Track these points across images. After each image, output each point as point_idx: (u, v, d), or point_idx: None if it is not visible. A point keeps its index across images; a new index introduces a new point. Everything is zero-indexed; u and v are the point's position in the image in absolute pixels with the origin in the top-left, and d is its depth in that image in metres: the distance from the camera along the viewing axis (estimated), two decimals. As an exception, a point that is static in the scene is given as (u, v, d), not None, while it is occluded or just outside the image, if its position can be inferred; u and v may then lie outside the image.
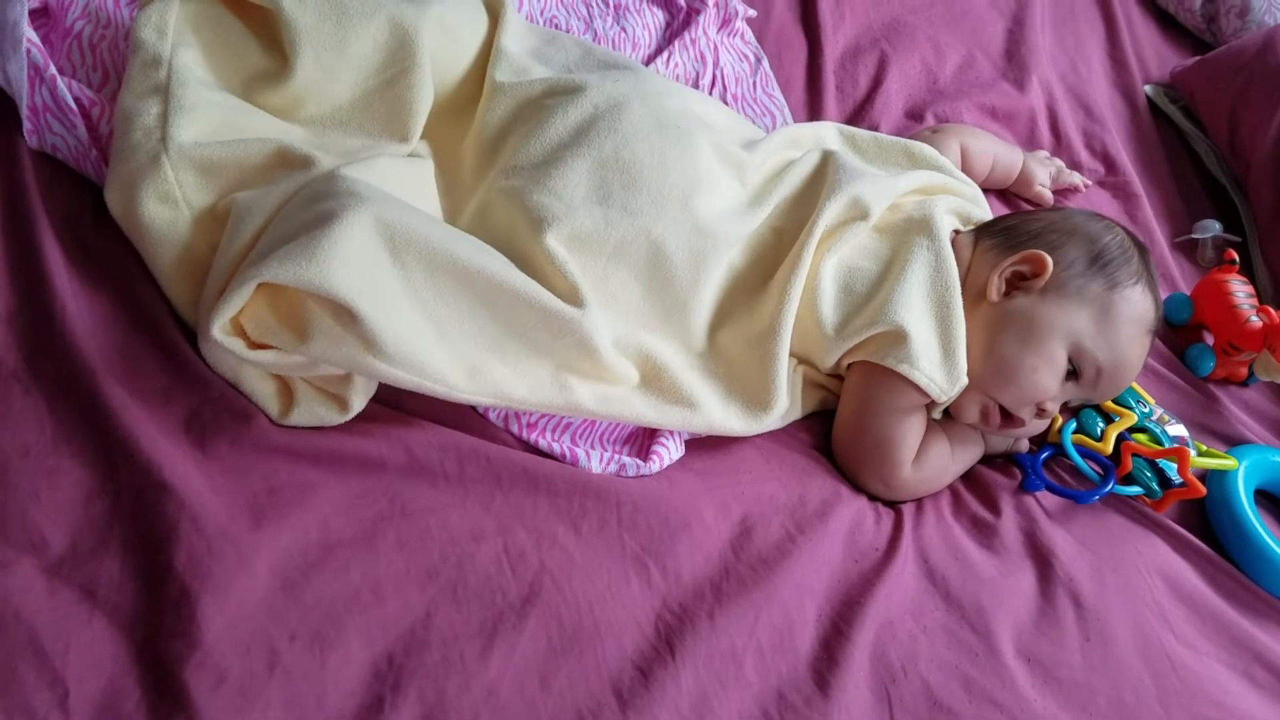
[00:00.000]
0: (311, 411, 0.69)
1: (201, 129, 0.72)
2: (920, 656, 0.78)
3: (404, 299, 0.68)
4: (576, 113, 0.84)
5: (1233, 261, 1.11)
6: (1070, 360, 0.89)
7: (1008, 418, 0.90)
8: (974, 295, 0.92)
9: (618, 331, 0.81)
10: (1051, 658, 0.82)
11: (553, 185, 0.80)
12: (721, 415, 0.83)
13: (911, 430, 0.89)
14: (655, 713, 0.67)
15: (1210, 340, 1.12)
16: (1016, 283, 0.91)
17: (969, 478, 0.96)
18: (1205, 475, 0.99)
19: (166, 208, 0.70)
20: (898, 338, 0.85)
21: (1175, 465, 0.93)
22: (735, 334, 0.86)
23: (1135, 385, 1.02)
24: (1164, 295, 1.17)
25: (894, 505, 0.90)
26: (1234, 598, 0.92)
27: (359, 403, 0.71)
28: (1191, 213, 1.30)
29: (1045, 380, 0.88)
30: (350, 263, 0.64)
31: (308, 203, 0.69)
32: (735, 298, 0.88)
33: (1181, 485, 0.93)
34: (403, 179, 0.77)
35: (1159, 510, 0.94)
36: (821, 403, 0.94)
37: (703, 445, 0.87)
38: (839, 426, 0.92)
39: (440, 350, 0.69)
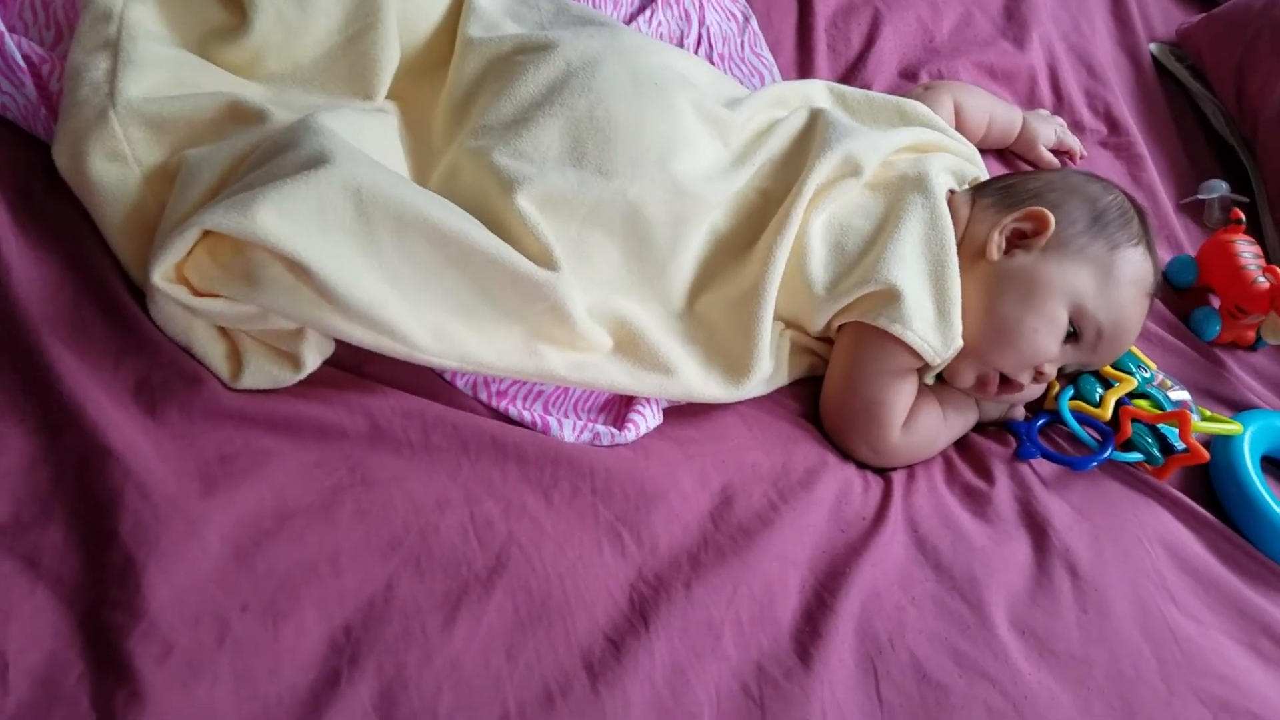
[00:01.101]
0: (263, 371, 0.67)
1: (152, 84, 0.70)
2: (909, 628, 0.76)
3: (365, 256, 0.66)
4: (548, 70, 0.82)
5: (1239, 221, 1.08)
6: (1071, 321, 0.87)
7: (1005, 382, 0.88)
8: (971, 254, 0.90)
9: (593, 297, 0.79)
10: (1047, 630, 0.79)
11: (523, 146, 0.78)
12: (700, 382, 0.81)
13: (902, 394, 0.87)
14: (626, 685, 0.65)
15: (1216, 303, 1.09)
16: (1017, 241, 0.89)
17: (962, 445, 0.94)
18: (1210, 441, 0.96)
19: (115, 165, 0.68)
20: (890, 297, 0.83)
21: (1177, 430, 0.90)
22: (717, 297, 0.84)
23: (1136, 350, 0.99)
24: (1169, 257, 1.14)
25: (883, 473, 0.88)
26: (1239, 567, 0.90)
27: (313, 360, 0.69)
28: (1198, 174, 1.27)
29: (1045, 341, 0.86)
30: (299, 215, 0.62)
31: (276, 151, 0.67)
32: (718, 261, 0.86)
33: (1184, 451, 0.90)
34: (368, 132, 0.74)
35: (1161, 477, 0.92)
36: (810, 368, 0.92)
37: (683, 413, 0.84)
38: (827, 389, 0.90)
39: (403, 308, 0.67)
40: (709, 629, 0.71)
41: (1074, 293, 0.87)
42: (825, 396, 0.90)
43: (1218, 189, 1.21)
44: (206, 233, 0.62)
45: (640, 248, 0.81)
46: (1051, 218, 0.88)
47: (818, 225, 0.87)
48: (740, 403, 0.86)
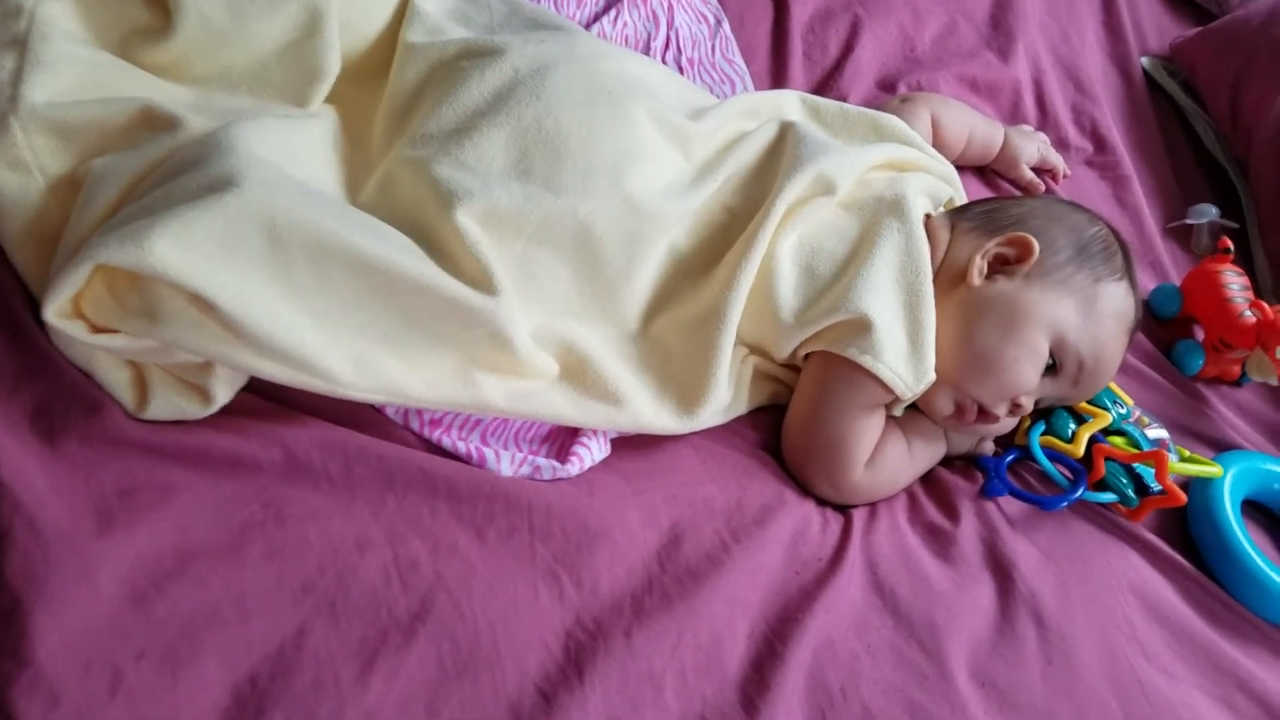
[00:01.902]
0: (170, 403, 0.64)
1: (60, 87, 0.67)
2: (863, 679, 0.74)
3: (278, 287, 0.63)
4: (495, 76, 0.79)
5: (1227, 250, 1.06)
6: (1051, 353, 0.86)
7: (981, 413, 0.86)
8: (949, 280, 0.88)
9: (539, 320, 0.77)
10: (1009, 681, 0.77)
11: (465, 157, 0.75)
12: (651, 412, 0.78)
13: (868, 429, 0.85)
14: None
15: (1201, 336, 1.07)
16: (999, 266, 0.88)
17: (928, 480, 0.92)
18: (1188, 483, 0.94)
19: (16, 174, 0.65)
20: (861, 326, 0.81)
21: (1153, 471, 0.88)
22: (674, 320, 0.82)
23: (1113, 385, 0.97)
24: (1152, 286, 1.12)
25: (844, 510, 0.86)
26: (1215, 618, 0.88)
27: (223, 394, 0.66)
28: (1187, 196, 1.25)
29: (1025, 371, 0.85)
30: (201, 245, 0.59)
31: (182, 169, 0.64)
32: (677, 282, 0.83)
33: (1160, 493, 0.88)
34: (292, 141, 0.71)
35: (1135, 520, 0.90)
36: (773, 396, 0.90)
37: (632, 445, 0.82)
38: (789, 421, 0.87)
39: (321, 341, 0.65)
40: (650, 680, 0.68)
41: (1056, 323, 0.85)
42: (787, 429, 0.87)
43: (1207, 214, 1.19)
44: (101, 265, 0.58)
45: (591, 268, 0.78)
46: (1036, 244, 0.86)
47: (787, 247, 0.85)
48: (695, 433, 0.83)
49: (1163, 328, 1.10)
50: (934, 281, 0.87)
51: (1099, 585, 0.85)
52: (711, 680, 0.70)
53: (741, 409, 0.87)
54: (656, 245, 0.82)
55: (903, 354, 0.82)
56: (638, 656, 0.68)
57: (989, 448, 0.94)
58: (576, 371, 0.77)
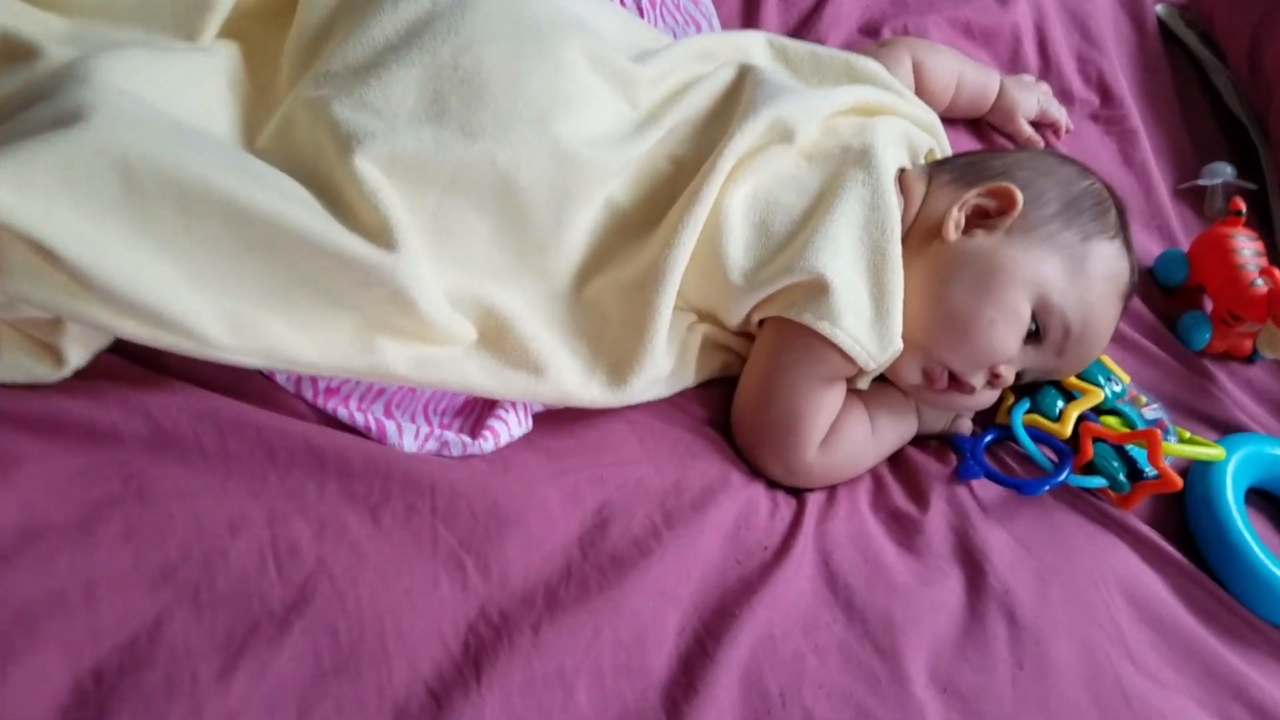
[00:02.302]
0: (17, 364, 0.58)
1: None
2: (806, 681, 0.68)
3: (138, 235, 0.57)
4: (410, 8, 0.72)
5: (1239, 212, 0.97)
6: (1034, 316, 0.79)
7: (955, 382, 0.79)
8: (923, 236, 0.81)
9: (456, 279, 0.70)
10: (974, 688, 0.70)
11: (370, 97, 0.68)
12: (578, 383, 0.72)
13: (825, 404, 0.78)
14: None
15: (1210, 307, 0.99)
16: (978, 220, 0.81)
17: (897, 462, 0.85)
18: (1188, 469, 0.86)
19: None
20: (817, 289, 0.74)
21: (1146, 452, 0.80)
22: (611, 282, 0.75)
23: (1107, 360, 0.89)
24: (1159, 252, 1.04)
25: (799, 494, 0.79)
26: (1213, 619, 0.80)
27: (77, 355, 0.59)
28: (1201, 155, 1.16)
29: (1003, 336, 0.77)
30: (43, 186, 0.53)
31: (30, 103, 0.58)
32: (616, 240, 0.76)
33: (1154, 477, 0.80)
34: (165, 75, 0.65)
35: (1126, 507, 0.82)
36: (724, 368, 0.83)
37: (558, 420, 0.75)
38: (740, 395, 0.81)
39: (190, 297, 0.58)
40: (559, 680, 0.62)
41: (1039, 282, 0.78)
42: (737, 403, 0.81)
43: (1221, 174, 1.10)
44: None
45: (515, 223, 0.71)
46: (1019, 195, 0.79)
47: (739, 200, 0.78)
48: (633, 408, 0.77)
49: (1168, 298, 1.02)
50: (906, 239, 0.80)
51: (1082, 581, 0.77)
52: (633, 682, 0.64)
53: (688, 381, 0.80)
54: (591, 199, 0.75)
55: (865, 319, 0.75)
56: (546, 654, 0.62)
57: (966, 426, 0.86)
58: (495, 337, 0.70)
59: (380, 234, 0.64)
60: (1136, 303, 0.99)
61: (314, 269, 0.62)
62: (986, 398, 0.82)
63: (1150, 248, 1.04)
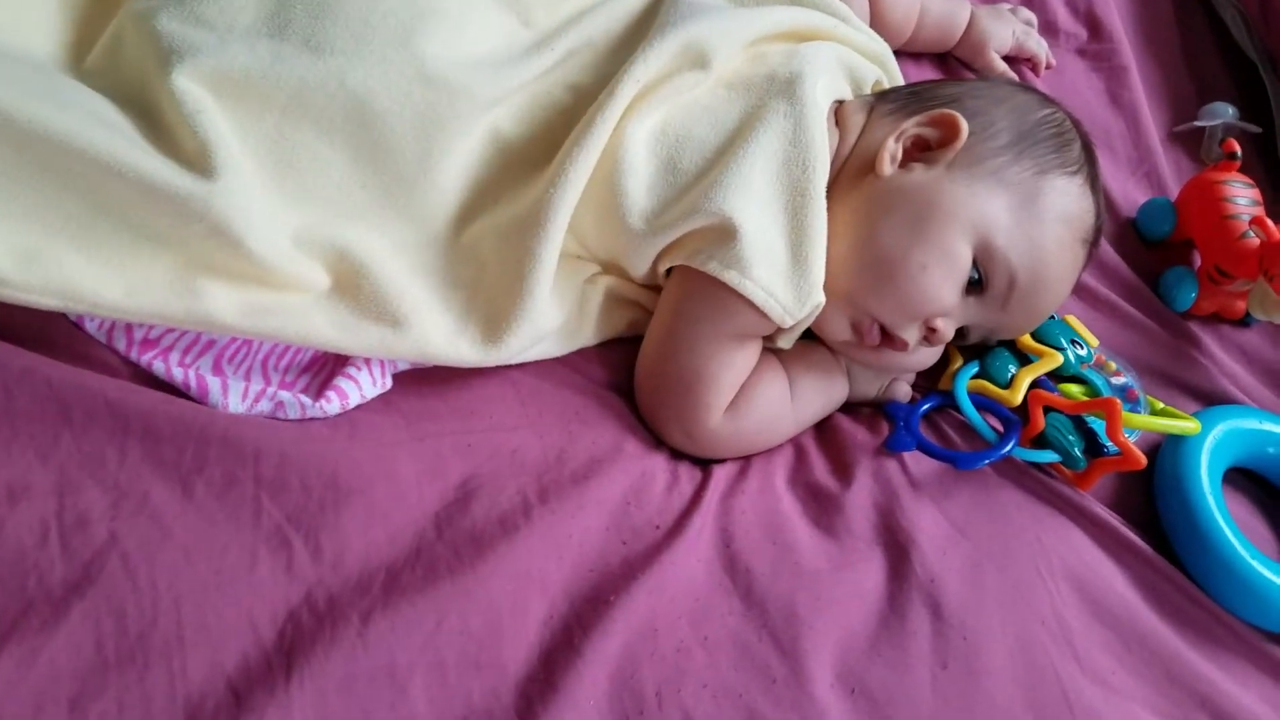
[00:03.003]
0: None
1: None
2: (689, 679, 0.60)
3: None
4: None
5: (1233, 155, 0.86)
6: (976, 263, 0.69)
7: (887, 338, 0.70)
8: (857, 172, 0.73)
9: (304, 219, 0.62)
10: (887, 689, 0.62)
11: (203, 10, 0.62)
12: (444, 338, 0.64)
13: (732, 364, 0.70)
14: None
15: (1198, 263, 0.88)
16: (917, 153, 0.71)
17: (823, 430, 0.76)
18: (1160, 445, 0.76)
19: None
20: (725, 234, 0.66)
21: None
22: (493, 225, 0.67)
23: (1074, 320, 0.79)
24: (1144, 201, 0.93)
25: (707, 466, 0.70)
26: (1178, 616, 0.71)
27: None
28: (1203, 96, 1.04)
29: (937, 283, 0.69)
30: None
31: None
32: (502, 178, 0.68)
33: (1114, 453, 0.71)
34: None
35: (1084, 487, 0.73)
36: (631, 325, 0.76)
37: (426, 378, 0.68)
38: (642, 354, 0.74)
39: None
40: (389, 677, 0.55)
41: (980, 222, 0.69)
42: (639, 364, 0.73)
43: (1221, 114, 0.98)
44: None
45: (374, 156, 0.63)
46: (964, 124, 0.70)
47: (643, 134, 0.69)
48: (519, 367, 0.68)
49: (1153, 253, 0.91)
50: (839, 177, 0.72)
51: (1024, 569, 0.69)
52: (481, 678, 0.56)
53: (587, 340, 0.72)
54: (468, 129, 0.66)
55: (780, 269, 0.66)
56: (375, 647, 0.55)
57: (904, 391, 0.77)
58: (350, 284, 0.63)
59: (197, 160, 0.57)
60: (1114, 258, 0.88)
61: (118, 198, 0.56)
62: (924, 357, 0.73)
63: (1136, 197, 0.93)
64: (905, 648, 0.64)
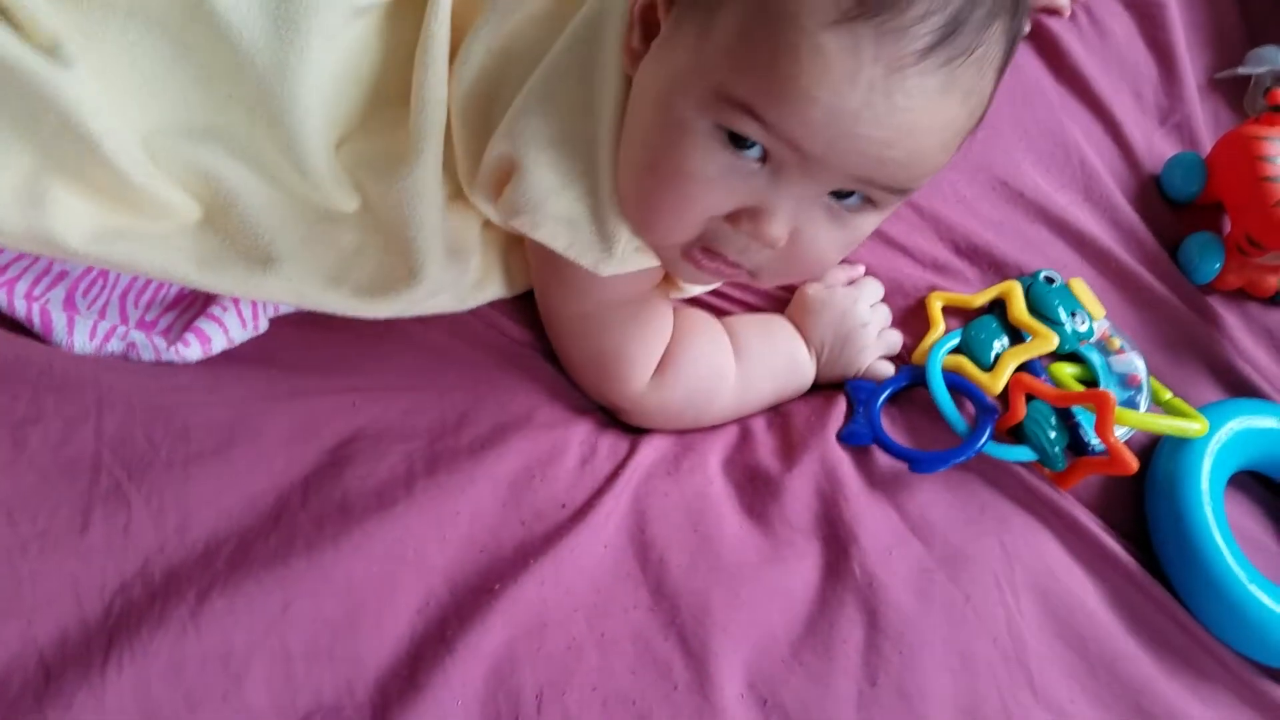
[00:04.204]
0: None
1: None
2: (575, 681, 0.53)
3: None
4: None
5: (1277, 108, 0.74)
6: (727, 123, 0.48)
7: (714, 255, 0.54)
8: None
9: (162, 130, 0.54)
10: (803, 704, 0.55)
11: None
12: (321, 282, 0.55)
13: (630, 334, 0.61)
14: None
15: (1227, 229, 0.76)
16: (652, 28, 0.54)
17: (777, 410, 0.67)
18: (1158, 443, 0.66)
19: None
20: (513, 170, 0.54)
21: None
22: (364, 157, 0.57)
23: (1078, 286, 0.69)
24: (1171, 155, 0.81)
25: (636, 441, 0.62)
26: (1157, 641, 0.62)
27: None
28: (1255, 39, 0.91)
29: (674, 165, 0.50)
30: None
31: None
32: (386, 96, 0.58)
33: (1100, 452, 0.61)
34: None
35: (1064, 486, 0.64)
36: None
37: (311, 324, 0.60)
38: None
39: None
40: (222, 664, 0.49)
41: (692, 68, 0.49)
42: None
43: (1271, 60, 0.85)
44: None
45: (222, 63, 0.54)
46: None
47: (480, 47, 0.57)
48: (424, 321, 0.60)
49: (1177, 215, 0.80)
50: None
51: (979, 578, 0.60)
52: (334, 672, 0.50)
53: (497, 292, 0.64)
54: (334, 35, 0.56)
55: (575, 200, 0.54)
56: (208, 630, 0.48)
57: (885, 370, 0.67)
58: (217, 215, 0.55)
59: (50, 50, 0.50)
60: (1130, 216, 0.77)
61: None
62: (769, 269, 0.54)
63: (1163, 150, 0.81)
64: (831, 658, 0.56)
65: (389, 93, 0.59)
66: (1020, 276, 0.71)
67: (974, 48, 0.45)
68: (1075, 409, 0.63)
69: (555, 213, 0.54)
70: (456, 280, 0.60)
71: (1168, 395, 0.68)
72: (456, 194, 0.59)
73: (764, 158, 0.48)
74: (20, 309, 0.53)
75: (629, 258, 0.56)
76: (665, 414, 0.63)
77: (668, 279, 0.64)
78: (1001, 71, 0.50)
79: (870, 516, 0.61)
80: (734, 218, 0.50)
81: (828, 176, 0.48)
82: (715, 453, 0.64)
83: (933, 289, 0.71)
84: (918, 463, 0.61)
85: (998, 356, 0.65)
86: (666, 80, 0.49)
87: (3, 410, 0.51)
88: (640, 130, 0.52)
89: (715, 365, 0.63)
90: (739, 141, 0.48)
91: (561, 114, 0.54)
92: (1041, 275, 0.70)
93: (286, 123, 0.57)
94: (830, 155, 0.46)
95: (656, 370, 0.62)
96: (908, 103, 0.45)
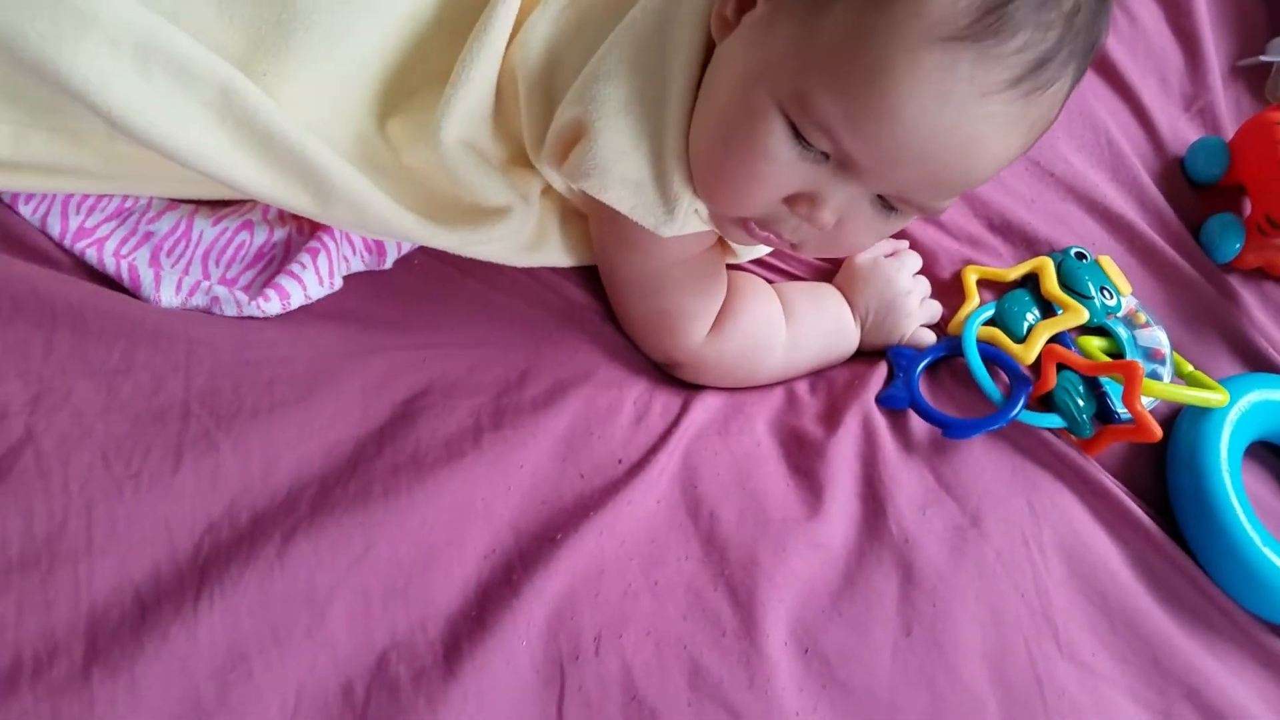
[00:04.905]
0: None
1: None
2: (631, 626, 0.56)
3: None
4: None
5: (1303, 94, 0.76)
6: (801, 129, 0.50)
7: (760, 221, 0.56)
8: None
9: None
10: (843, 653, 0.57)
11: None
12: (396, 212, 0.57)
13: (692, 290, 0.63)
14: (138, 671, 0.46)
15: (1248, 211, 0.79)
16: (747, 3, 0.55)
17: (820, 376, 0.69)
18: (1179, 413, 0.69)
19: None
20: (582, 135, 0.55)
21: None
22: (412, 125, 0.58)
23: (1107, 263, 0.71)
24: (1195, 140, 0.83)
25: (687, 399, 0.64)
26: (1175, 600, 0.65)
27: None
28: (1277, 27, 0.92)
29: (747, 148, 0.51)
30: None
31: None
32: (442, 50, 0.59)
33: (1126, 421, 0.63)
34: None
35: (1090, 452, 0.66)
36: None
37: (381, 286, 0.62)
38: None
39: None
40: (307, 603, 0.51)
41: (772, 62, 0.50)
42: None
43: (1294, 47, 0.87)
44: None
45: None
46: None
47: (549, 15, 0.58)
48: (487, 282, 0.63)
49: (1200, 196, 0.82)
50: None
51: (1009, 537, 0.63)
52: (409, 611, 0.52)
53: (557, 258, 0.65)
54: None
55: (641, 166, 0.55)
56: (292, 568, 0.51)
57: (927, 338, 0.69)
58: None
59: None
60: (1156, 196, 0.79)
61: None
62: (812, 243, 0.56)
63: (1187, 135, 0.84)
64: (868, 609, 0.59)
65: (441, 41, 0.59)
66: (1051, 252, 0.73)
67: (1053, 82, 0.47)
68: (1102, 379, 0.66)
69: (622, 175, 0.55)
70: (515, 232, 0.61)
71: (1189, 368, 0.70)
72: (514, 158, 0.61)
73: (828, 155, 0.50)
74: (110, 265, 0.55)
75: (689, 220, 0.57)
76: (721, 367, 0.65)
77: (721, 242, 0.66)
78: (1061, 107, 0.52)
79: (906, 478, 0.63)
80: (791, 200, 0.53)
81: (880, 185, 0.51)
82: (762, 415, 0.66)
83: (968, 263, 0.73)
84: (952, 428, 0.63)
85: (1030, 328, 0.68)
86: (755, 64, 0.51)
87: (95, 358, 0.53)
88: (719, 103, 0.53)
89: (768, 322, 0.65)
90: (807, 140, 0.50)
91: (635, 79, 0.55)
92: (1072, 251, 0.72)
93: (345, 75, 0.57)
94: (892, 171, 0.49)
95: (714, 326, 0.64)
96: (985, 127, 0.47)
